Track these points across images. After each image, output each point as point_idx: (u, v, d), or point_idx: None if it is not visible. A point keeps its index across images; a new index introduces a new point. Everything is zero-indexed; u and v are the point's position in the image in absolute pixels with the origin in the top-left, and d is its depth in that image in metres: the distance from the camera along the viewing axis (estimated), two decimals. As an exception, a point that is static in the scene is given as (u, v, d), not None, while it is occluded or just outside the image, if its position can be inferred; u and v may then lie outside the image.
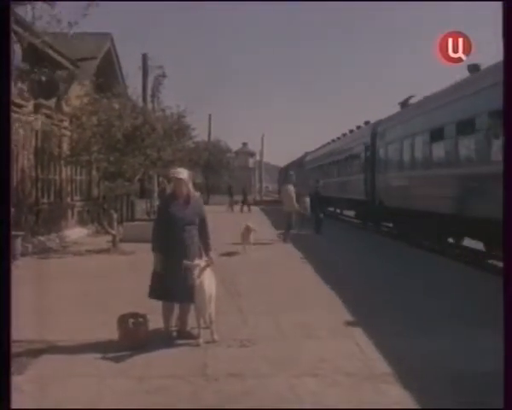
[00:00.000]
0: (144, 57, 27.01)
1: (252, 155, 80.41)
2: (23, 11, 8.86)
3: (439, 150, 13.74)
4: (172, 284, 5.71)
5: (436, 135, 13.79)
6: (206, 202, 52.93)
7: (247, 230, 13.11)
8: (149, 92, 23.40)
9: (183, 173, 5.88)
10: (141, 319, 5.70)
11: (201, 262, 5.70)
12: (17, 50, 8.76)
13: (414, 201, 15.34)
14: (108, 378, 4.72)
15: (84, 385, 4.60)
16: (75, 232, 16.37)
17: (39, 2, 8.73)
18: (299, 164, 43.87)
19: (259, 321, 6.61)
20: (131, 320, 5.65)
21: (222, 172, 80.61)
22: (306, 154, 42.75)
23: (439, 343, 5.76)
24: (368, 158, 20.48)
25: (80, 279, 9.65)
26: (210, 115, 57.38)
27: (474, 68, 12.39)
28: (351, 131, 26.15)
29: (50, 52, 11.73)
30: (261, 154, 66.83)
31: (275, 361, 5.17)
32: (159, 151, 13.23)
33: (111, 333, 5.67)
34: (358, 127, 24.85)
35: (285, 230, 15.80)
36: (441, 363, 5.12)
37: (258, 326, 6.40)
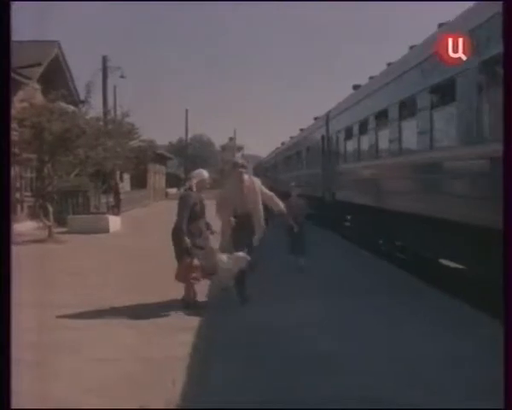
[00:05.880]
0: (104, 59, 28.37)
1: (239, 149, 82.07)
2: None
3: (294, 163, 27.65)
4: None
5: (292, 157, 28.73)
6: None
7: None
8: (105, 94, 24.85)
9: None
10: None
11: None
12: None
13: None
14: None
15: None
16: (24, 226, 17.76)
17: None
18: (259, 164, 61.14)
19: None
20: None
21: (207, 166, 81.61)
22: (266, 157, 57.32)
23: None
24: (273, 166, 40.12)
25: None
26: (187, 110, 58.73)
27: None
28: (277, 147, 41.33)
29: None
30: (233, 148, 68.19)
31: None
32: (87, 151, 14.67)
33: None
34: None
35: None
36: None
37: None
